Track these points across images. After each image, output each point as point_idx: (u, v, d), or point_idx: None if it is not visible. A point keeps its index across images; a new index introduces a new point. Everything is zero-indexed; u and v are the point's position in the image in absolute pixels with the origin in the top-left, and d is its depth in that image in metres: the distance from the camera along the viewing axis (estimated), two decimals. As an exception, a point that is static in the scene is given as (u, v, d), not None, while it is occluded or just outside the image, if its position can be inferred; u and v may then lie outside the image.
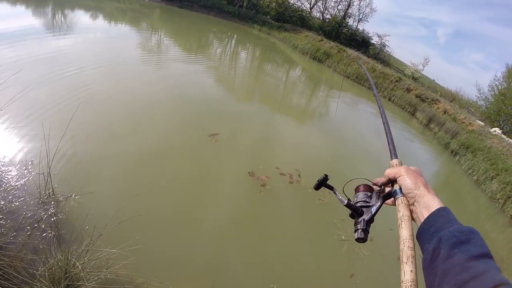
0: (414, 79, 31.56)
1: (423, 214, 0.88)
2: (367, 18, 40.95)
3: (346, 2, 40.86)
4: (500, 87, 26.52)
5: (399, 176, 1.00)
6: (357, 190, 1.10)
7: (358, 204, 1.05)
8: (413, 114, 20.91)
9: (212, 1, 38.87)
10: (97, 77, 9.14)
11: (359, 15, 40.95)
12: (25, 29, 13.60)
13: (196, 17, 34.00)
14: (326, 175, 1.16)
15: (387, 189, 1.08)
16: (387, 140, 1.32)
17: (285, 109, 11.84)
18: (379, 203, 1.03)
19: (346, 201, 1.07)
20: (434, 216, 0.84)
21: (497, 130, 18.27)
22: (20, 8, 21.66)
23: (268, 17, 39.08)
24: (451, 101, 26.13)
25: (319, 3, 42.43)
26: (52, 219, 3.90)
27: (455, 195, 11.08)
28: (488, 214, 10.87)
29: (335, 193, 1.14)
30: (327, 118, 13.15)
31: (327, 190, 4.49)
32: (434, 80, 38.47)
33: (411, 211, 0.93)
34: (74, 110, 5.31)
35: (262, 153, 7.39)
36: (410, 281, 0.78)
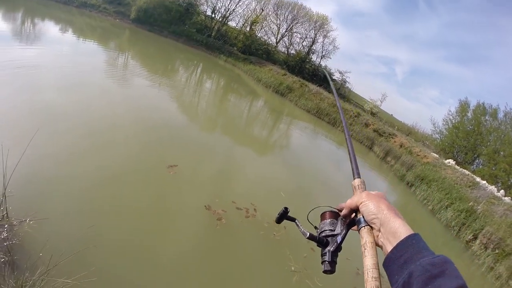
0: (373, 114, 32.74)
1: (390, 241, 0.82)
2: (329, 55, 42.78)
3: (311, 39, 42.60)
4: (454, 121, 28.04)
5: (360, 203, 0.95)
6: (322, 217, 1.05)
7: (323, 234, 1.00)
8: (370, 148, 21.59)
9: (181, 28, 39.44)
10: (58, 94, 8.99)
11: (322, 52, 42.67)
12: None
13: (165, 43, 34.40)
14: (286, 208, 1.12)
15: (353, 216, 1.02)
16: (350, 159, 1.23)
17: (246, 141, 11.92)
18: (344, 232, 0.99)
19: (308, 234, 1.02)
20: (403, 244, 0.78)
21: (451, 162, 19.04)
22: None
23: (235, 48, 39.86)
24: (408, 135, 27.24)
25: (285, 38, 44.02)
26: (5, 244, 3.69)
27: (412, 224, 10.53)
28: (445, 241, 11.27)
29: (297, 225, 1.09)
30: (287, 150, 13.34)
31: (283, 224, 4.56)
32: (391, 115, 40.05)
33: (376, 237, 0.89)
34: (33, 131, 5.15)
35: (220, 186, 7.33)
36: None
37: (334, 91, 1.91)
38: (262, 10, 43.66)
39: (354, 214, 1.01)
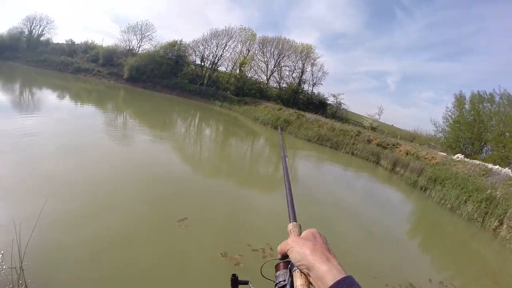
0: (373, 129, 32.96)
1: (319, 284, 0.78)
2: (320, 81, 43.75)
3: (300, 70, 43.70)
4: (453, 116, 27.92)
5: (287, 250, 0.92)
6: (277, 269, 1.00)
7: (277, 287, 0.94)
8: (377, 163, 21.56)
9: (174, 81, 40.67)
10: (62, 160, 9.21)
11: (313, 80, 43.70)
12: None
13: (159, 97, 35.15)
14: (233, 275, 1.12)
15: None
16: (287, 201, 1.25)
17: (252, 181, 11.89)
18: (290, 279, 0.93)
19: None
20: None
21: (459, 156, 18.88)
22: None
23: (228, 92, 40.87)
24: (411, 141, 27.26)
25: (275, 74, 45.24)
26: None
27: (435, 227, 11.28)
28: (471, 234, 11.09)
29: (250, 286, 1.10)
30: (295, 181, 12.67)
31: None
32: (392, 125, 40.26)
33: (310, 282, 0.84)
34: (41, 200, 5.35)
35: (232, 231, 7.21)
36: None
37: (281, 140, 1.93)
38: (249, 50, 45.19)
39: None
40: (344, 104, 41.08)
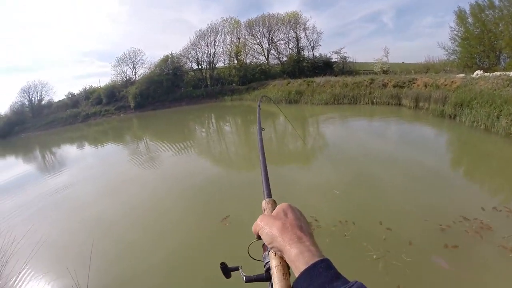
0: (385, 72, 32.27)
1: (293, 268, 0.73)
2: (318, 43, 42.81)
3: (294, 39, 43.04)
4: (459, 34, 26.83)
5: (259, 230, 0.87)
6: (264, 249, 0.91)
7: (265, 268, 0.87)
8: (399, 104, 21.28)
9: (179, 93, 41.44)
10: (99, 202, 9.67)
11: (310, 44, 42.84)
12: (21, 177, 15.10)
13: (171, 112, 35.73)
14: (222, 263, 1.02)
15: None
16: (262, 179, 1.23)
17: (284, 161, 11.90)
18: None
19: (245, 278, 0.92)
20: (306, 276, 0.67)
21: (478, 73, 18.28)
22: (10, 159, 23.14)
23: (234, 84, 41.03)
24: (426, 72, 26.56)
25: (272, 51, 44.73)
26: None
27: (475, 152, 11.07)
28: None
29: (240, 272, 0.98)
30: (326, 148, 13.21)
31: (351, 220, 4.66)
32: (403, 62, 39.16)
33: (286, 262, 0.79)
34: (90, 246, 5.81)
35: None
36: None
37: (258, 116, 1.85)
38: (239, 38, 44.85)
39: None
40: (349, 57, 40.28)
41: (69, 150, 23.05)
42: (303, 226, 0.82)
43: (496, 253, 4.83)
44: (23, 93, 48.56)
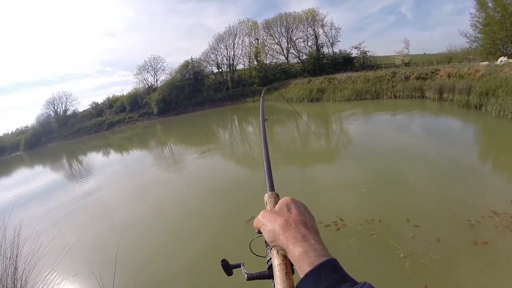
0: (406, 64, 31.93)
1: (297, 268, 0.69)
2: (337, 39, 42.65)
3: (313, 36, 42.95)
4: (480, 20, 26.06)
5: (260, 227, 0.83)
6: (266, 245, 0.88)
7: (267, 265, 0.84)
8: (423, 96, 20.96)
9: (201, 97, 41.94)
10: (130, 206, 9.97)
11: (329, 40, 42.68)
12: (49, 185, 15.80)
13: (194, 117, 36.01)
14: (223, 260, 0.98)
15: None
16: (264, 171, 1.19)
17: (309, 160, 11.88)
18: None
19: (246, 275, 0.89)
20: (311, 278, 0.63)
21: (503, 59, 17.92)
22: (38, 168, 24.06)
23: (255, 85, 41.21)
24: (449, 62, 26.07)
25: (291, 50, 44.85)
26: None
27: (503, 142, 10.86)
28: None
29: (242, 268, 0.96)
30: (351, 145, 13.13)
31: (377, 218, 5.61)
32: (424, 53, 38.66)
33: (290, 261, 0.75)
34: (116, 249, 5.96)
35: None
36: None
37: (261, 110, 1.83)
38: (257, 39, 44.97)
39: None
40: (369, 51, 39.74)
41: (95, 158, 23.75)
42: (308, 223, 0.78)
43: (527, 248, 4.72)
44: (49, 105, 50.23)
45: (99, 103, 50.55)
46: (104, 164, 19.64)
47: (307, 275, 0.63)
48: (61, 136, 44.47)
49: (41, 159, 30.35)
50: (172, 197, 10.08)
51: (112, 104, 48.13)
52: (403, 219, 5.95)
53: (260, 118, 1.56)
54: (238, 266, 0.99)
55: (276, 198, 1.00)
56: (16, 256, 5.61)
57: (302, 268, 0.65)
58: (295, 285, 0.69)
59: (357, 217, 6.32)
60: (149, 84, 48.31)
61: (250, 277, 0.88)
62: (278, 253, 0.77)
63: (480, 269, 4.51)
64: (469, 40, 27.76)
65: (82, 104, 62.82)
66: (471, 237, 5.09)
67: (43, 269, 6.32)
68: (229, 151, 15.91)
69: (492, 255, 4.71)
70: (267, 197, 1.02)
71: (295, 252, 0.69)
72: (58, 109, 50.32)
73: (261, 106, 1.78)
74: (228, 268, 1.00)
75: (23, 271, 5.43)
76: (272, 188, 1.08)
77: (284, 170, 11.00)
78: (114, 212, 9.64)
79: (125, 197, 11.04)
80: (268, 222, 0.80)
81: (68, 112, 50.81)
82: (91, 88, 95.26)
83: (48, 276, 6.26)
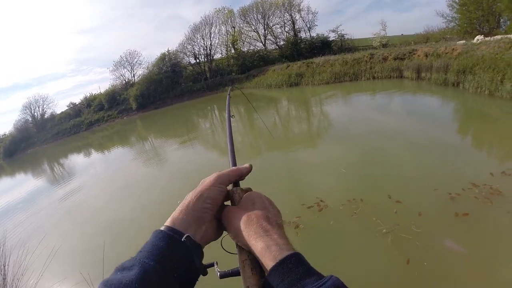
0: (384, 46, 31.98)
1: (261, 263, 0.66)
2: (314, 23, 42.37)
3: (290, 21, 42.64)
4: (457, 0, 26.40)
5: (225, 224, 0.81)
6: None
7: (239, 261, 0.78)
8: (401, 76, 21.08)
9: (180, 89, 41.44)
10: (113, 206, 9.79)
11: (306, 25, 42.41)
12: (32, 191, 15.43)
13: (173, 109, 35.99)
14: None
15: None
16: (230, 165, 1.10)
17: (291, 145, 11.78)
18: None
19: (219, 273, 0.82)
20: (275, 273, 0.59)
21: (479, 38, 18.06)
22: (20, 176, 23.60)
23: (233, 74, 40.84)
24: (426, 42, 26.17)
25: (269, 36, 44.37)
26: None
27: (481, 118, 10.95)
28: None
29: (215, 267, 0.86)
30: (332, 127, 13.18)
31: (359, 197, 5.83)
32: (401, 34, 38.78)
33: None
34: (102, 249, 5.90)
35: (283, 197, 7.11)
36: None
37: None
38: (234, 27, 44.51)
39: None
40: (347, 34, 39.62)
41: (76, 159, 23.35)
42: (271, 217, 0.75)
43: (508, 218, 4.80)
44: (25, 110, 49.21)
45: (77, 103, 49.73)
46: (86, 165, 19.33)
47: (271, 270, 0.60)
48: (41, 140, 43.59)
49: (22, 166, 29.78)
50: (157, 192, 9.89)
51: (90, 103, 47.24)
52: (385, 196, 6.01)
53: (226, 114, 1.52)
54: (212, 265, 0.88)
55: (242, 193, 0.92)
56: (4, 266, 5.55)
57: (266, 264, 0.63)
58: (262, 282, 0.66)
59: (339, 198, 6.35)
60: (127, 80, 47.48)
61: (223, 275, 0.83)
62: (243, 249, 0.74)
63: (462, 239, 4.60)
64: (446, 20, 28.07)
65: (60, 106, 61.92)
66: (452, 210, 5.19)
67: (32, 275, 6.21)
68: (211, 141, 15.80)
69: (473, 225, 4.81)
70: (232, 191, 0.93)
71: (257, 247, 0.66)
72: (36, 113, 49.40)
73: (227, 103, 1.73)
74: (202, 267, 0.85)
75: (12, 280, 5.40)
76: (237, 183, 0.98)
77: (265, 156, 11.11)
78: (99, 213, 9.42)
79: (109, 196, 10.84)
80: (232, 219, 0.76)
81: (46, 116, 49.91)
82: (68, 88, 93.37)
83: (38, 282, 6.07)
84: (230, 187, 0.95)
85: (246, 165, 0.96)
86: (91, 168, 17.44)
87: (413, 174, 6.97)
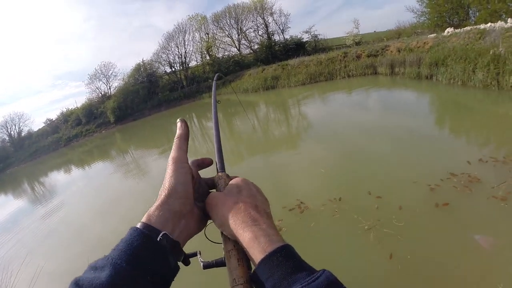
0: (357, 43, 32.28)
1: (249, 255, 0.62)
2: (287, 25, 42.66)
3: (263, 25, 42.79)
4: None
5: (209, 211, 0.75)
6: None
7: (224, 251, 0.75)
8: (375, 73, 21.25)
9: (157, 99, 41.18)
10: (97, 222, 9.49)
11: (280, 28, 42.61)
12: (13, 213, 14.83)
13: (152, 120, 35.68)
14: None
15: None
16: (215, 150, 1.08)
17: (268, 147, 11.78)
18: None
19: (202, 264, 0.77)
20: (264, 266, 0.55)
21: (449, 30, 18.28)
22: (0, 198, 22.56)
23: (210, 81, 40.47)
24: (398, 38, 26.53)
25: (243, 41, 44.47)
26: None
27: (456, 108, 11.04)
28: (493, 100, 10.72)
29: (198, 256, 0.81)
30: (312, 128, 13.02)
31: (339, 197, 5.65)
32: (374, 31, 39.25)
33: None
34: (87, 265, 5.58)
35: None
36: None
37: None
38: (207, 34, 44.43)
39: None
40: (320, 34, 39.98)
41: (56, 177, 22.63)
42: (259, 205, 0.70)
43: (487, 204, 4.78)
44: (1, 129, 48.03)
45: (54, 119, 48.89)
46: (67, 182, 18.73)
47: (260, 263, 0.56)
48: (19, 160, 42.38)
49: (1, 187, 28.59)
50: (141, 205, 9.35)
51: (67, 118, 46.43)
52: (365, 192, 5.98)
53: (212, 100, 1.46)
54: (195, 255, 0.83)
55: (227, 179, 0.87)
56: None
57: (254, 256, 0.59)
58: (250, 274, 0.62)
59: (320, 198, 6.29)
60: (103, 93, 46.94)
61: (207, 266, 0.77)
62: (229, 238, 0.69)
63: (443, 229, 4.62)
64: (416, 14, 28.64)
65: (36, 123, 60.39)
66: (432, 201, 5.20)
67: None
68: (192, 149, 15.47)
69: (453, 214, 4.81)
70: (217, 178, 0.89)
71: (245, 237, 0.61)
72: (12, 132, 48.27)
73: (213, 89, 1.67)
74: (184, 257, 0.78)
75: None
76: (223, 169, 0.95)
77: (245, 160, 11.03)
78: (83, 230, 9.15)
79: (93, 213, 10.42)
80: (216, 206, 0.71)
81: (23, 134, 48.89)
82: (45, 103, 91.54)
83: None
84: (216, 174, 0.91)
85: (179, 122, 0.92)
86: (72, 185, 16.90)
87: (392, 168, 6.95)
